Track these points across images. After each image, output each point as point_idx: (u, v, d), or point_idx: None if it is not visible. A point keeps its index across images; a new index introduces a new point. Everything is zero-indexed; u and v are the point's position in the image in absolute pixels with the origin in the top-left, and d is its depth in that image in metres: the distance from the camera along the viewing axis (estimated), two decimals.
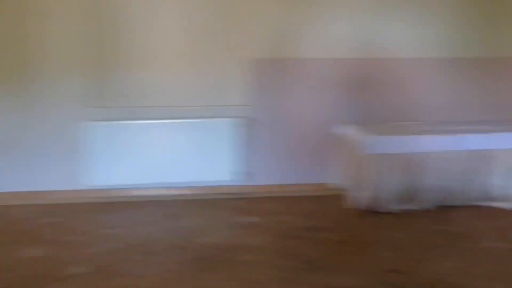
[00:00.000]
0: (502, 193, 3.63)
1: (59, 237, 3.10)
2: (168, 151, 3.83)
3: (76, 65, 3.76)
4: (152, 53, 3.82)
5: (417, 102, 4.10)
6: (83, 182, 3.83)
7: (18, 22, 3.66)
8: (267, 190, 4.01)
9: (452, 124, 3.90)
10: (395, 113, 4.08)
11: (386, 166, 3.47)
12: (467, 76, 4.13)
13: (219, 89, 3.92)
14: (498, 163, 3.59)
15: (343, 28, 3.95)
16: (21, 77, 3.73)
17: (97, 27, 3.74)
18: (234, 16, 3.84)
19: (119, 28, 3.76)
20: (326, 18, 3.92)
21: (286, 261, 2.74)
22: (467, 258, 2.78)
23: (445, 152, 3.51)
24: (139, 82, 3.84)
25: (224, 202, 3.83)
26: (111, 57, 3.79)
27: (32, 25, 3.67)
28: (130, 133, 3.79)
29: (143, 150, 3.80)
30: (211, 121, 3.85)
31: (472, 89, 4.15)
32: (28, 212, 3.61)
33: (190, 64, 3.87)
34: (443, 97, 4.13)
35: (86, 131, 3.74)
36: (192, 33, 3.83)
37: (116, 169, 3.79)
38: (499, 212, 3.54)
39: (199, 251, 2.87)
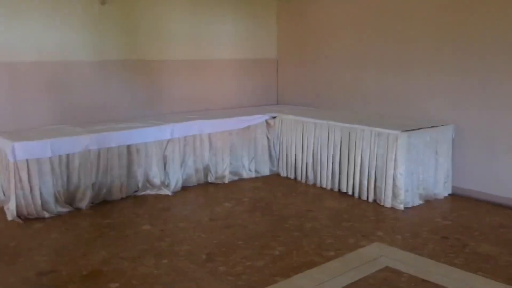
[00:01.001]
0: (152, 182, 4.04)
1: None
2: None
3: None
4: None
5: (73, 105, 4.19)
6: None
7: None
8: None
9: (101, 123, 4.12)
10: (50, 117, 4.07)
11: (38, 171, 3.41)
12: (117, 77, 4.45)
13: None
14: (145, 155, 3.99)
15: None
16: None
17: None
18: None
19: None
20: None
21: None
22: (122, 244, 3.01)
23: (97, 150, 3.68)
24: None
25: None
26: None
27: None
28: None
29: None
30: None
31: (123, 88, 4.50)
32: None
33: None
34: (98, 98, 4.33)
35: None
36: None
37: None
38: (158, 198, 3.92)
39: None
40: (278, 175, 4.67)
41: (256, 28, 5.45)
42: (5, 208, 3.48)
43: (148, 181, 4.02)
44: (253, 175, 4.58)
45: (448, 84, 3.97)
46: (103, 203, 3.77)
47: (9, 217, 3.40)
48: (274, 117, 4.68)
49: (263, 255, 2.84)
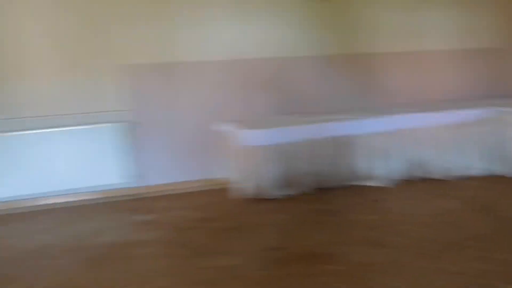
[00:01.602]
0: (368, 173, 4.15)
1: None
2: (56, 159, 3.88)
3: None
4: (27, 63, 3.85)
5: (294, 98, 4.54)
6: None
7: None
8: (159, 189, 4.20)
9: (321, 113, 4.38)
10: (277, 108, 4.49)
11: (266, 156, 3.83)
12: (337, 71, 4.65)
13: (100, 95, 4.03)
14: (362, 147, 4.10)
15: (223, 31, 4.27)
16: None
17: None
18: (110, 22, 3.99)
19: None
20: (207, 20, 4.21)
21: (177, 250, 2.97)
22: (336, 230, 3.18)
23: (316, 139, 3.95)
24: (19, 94, 3.85)
25: (118, 204, 3.97)
26: None
27: None
28: (16, 144, 3.78)
29: (31, 160, 3.82)
30: (94, 127, 3.96)
31: (341, 82, 4.68)
32: None
33: (69, 73, 3.95)
34: (318, 91, 4.61)
35: None
36: (67, 41, 3.92)
37: (4, 181, 3.77)
38: (367, 190, 4.03)
39: (94, 251, 3.01)
40: (506, 175, 4.27)
41: (477, 14, 5.04)
42: (236, 188, 3.98)
43: (362, 172, 4.12)
44: (477, 173, 4.27)
45: None
46: (321, 191, 4.01)
47: (239, 196, 3.90)
48: (503, 111, 4.28)
49: (489, 259, 2.68)
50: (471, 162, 4.29)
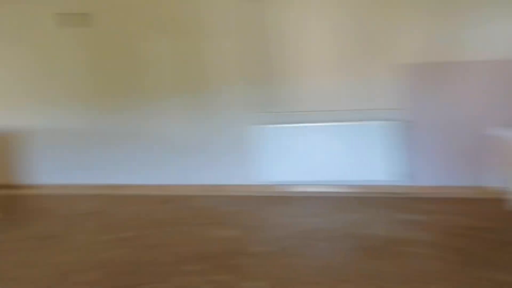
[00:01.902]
0: None
1: (242, 222, 3.65)
2: (327, 152, 4.17)
3: (242, 77, 4.36)
4: (307, 61, 4.22)
5: None
6: (255, 178, 4.39)
7: (189, 43, 4.37)
8: (423, 190, 4.11)
9: None
10: None
11: None
12: None
13: (373, 93, 4.14)
14: None
15: (505, 28, 3.91)
16: (198, 91, 4.46)
17: (254, 43, 4.26)
18: (386, 22, 4.05)
19: (275, 41, 4.23)
20: (488, 19, 3.92)
21: (449, 255, 2.87)
22: None
23: None
24: (298, 89, 4.27)
25: (383, 200, 4.04)
26: (271, 69, 4.28)
27: (195, 44, 4.36)
28: (293, 135, 4.22)
29: (305, 151, 4.20)
30: (366, 124, 4.08)
31: None
32: (213, 201, 4.27)
33: (344, 71, 4.16)
34: None
35: (257, 134, 4.28)
36: (344, 40, 4.13)
37: (282, 167, 4.25)
38: None
39: (364, 241, 3.16)
40: None
41: None
42: None
43: None
44: None
45: None
46: None
47: None
48: None
49: None
50: None
